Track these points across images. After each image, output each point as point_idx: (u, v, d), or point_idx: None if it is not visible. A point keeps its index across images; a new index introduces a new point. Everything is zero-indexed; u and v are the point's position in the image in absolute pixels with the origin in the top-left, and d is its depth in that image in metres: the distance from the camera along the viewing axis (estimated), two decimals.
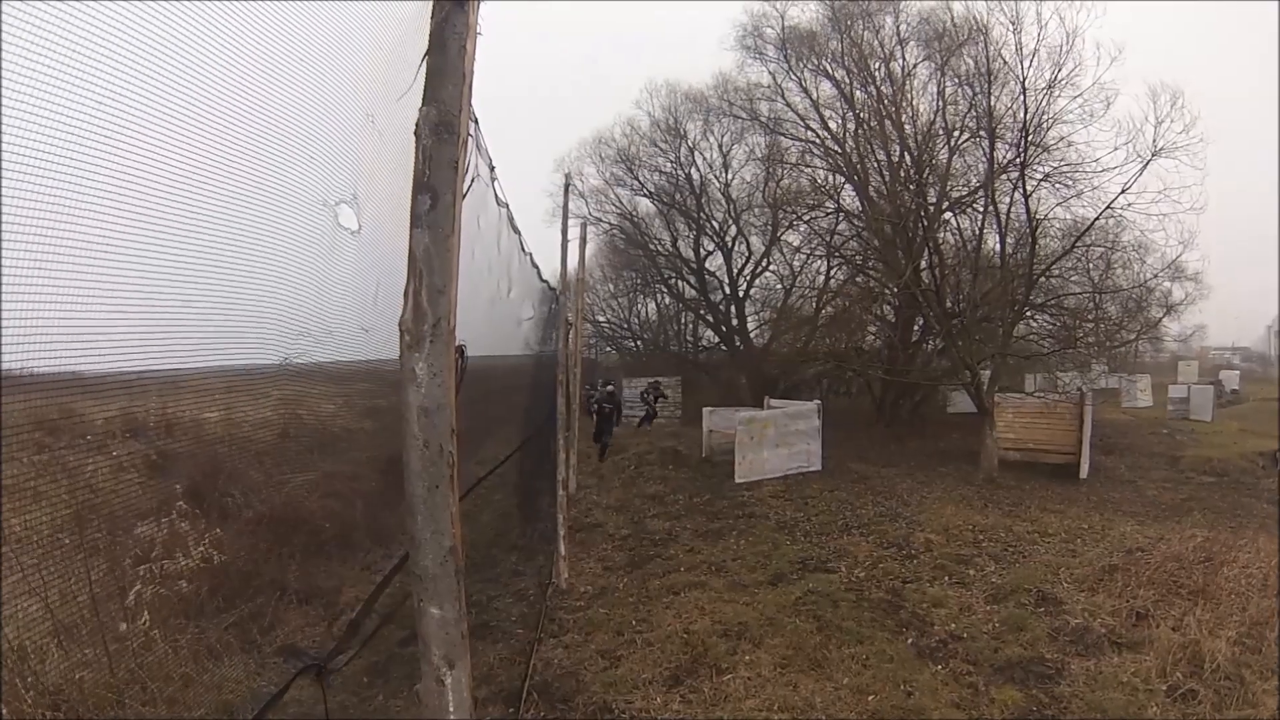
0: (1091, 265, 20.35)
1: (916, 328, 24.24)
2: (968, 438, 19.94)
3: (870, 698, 5.59)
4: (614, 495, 13.54)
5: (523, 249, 6.96)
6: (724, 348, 32.12)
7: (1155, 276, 19.90)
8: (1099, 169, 18.97)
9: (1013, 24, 18.88)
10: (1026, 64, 18.89)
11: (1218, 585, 8.11)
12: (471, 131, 2.43)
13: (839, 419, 22.06)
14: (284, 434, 3.88)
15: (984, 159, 20.32)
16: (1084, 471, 18.02)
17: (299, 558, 6.24)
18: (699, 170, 30.22)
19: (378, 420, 5.02)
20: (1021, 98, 19.05)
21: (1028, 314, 21.68)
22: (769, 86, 25.03)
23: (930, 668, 6.16)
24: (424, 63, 2.13)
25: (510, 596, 7.99)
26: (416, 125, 2.05)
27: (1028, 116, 19.00)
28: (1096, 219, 19.02)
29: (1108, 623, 7.10)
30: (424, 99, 2.07)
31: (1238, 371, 49.26)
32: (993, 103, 19.68)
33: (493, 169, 4.38)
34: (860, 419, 23.63)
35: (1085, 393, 19.74)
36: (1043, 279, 20.35)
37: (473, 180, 2.21)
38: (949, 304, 21.21)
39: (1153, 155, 17.58)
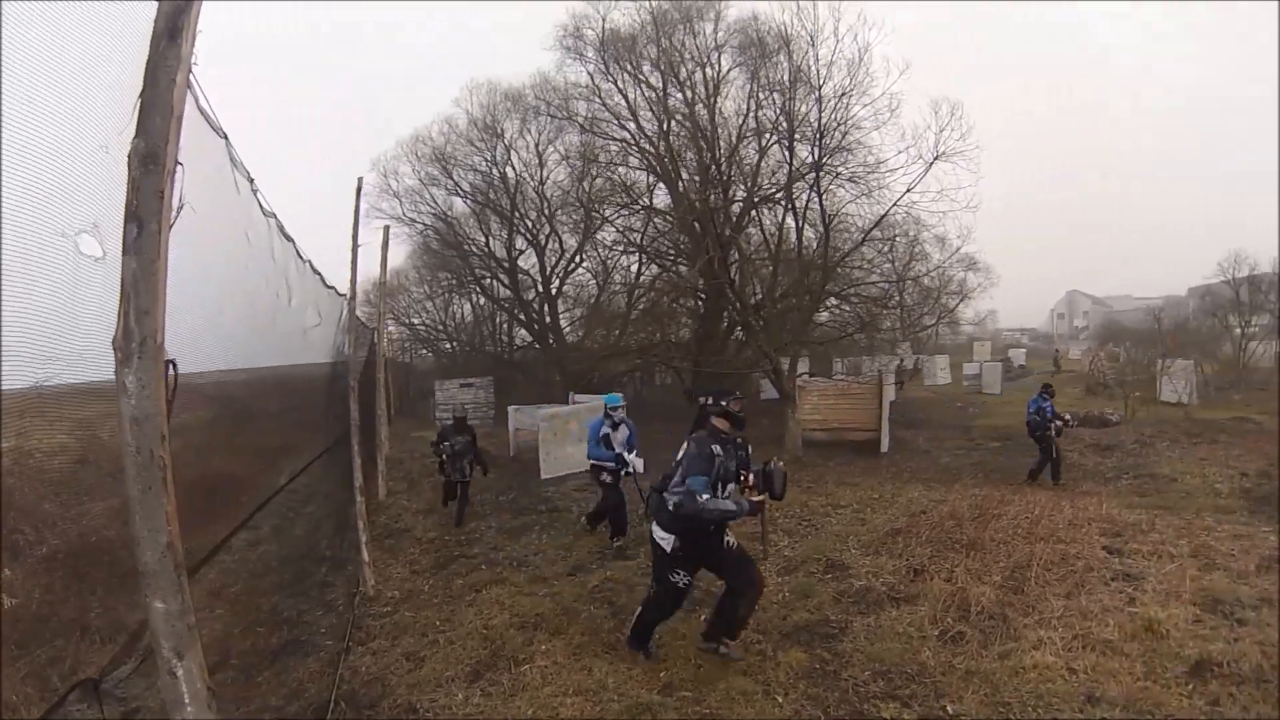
0: (895, 258, 22.00)
1: (725, 320, 25.11)
2: (776, 422, 20.69)
3: (662, 673, 5.81)
4: (424, 499, 13.47)
5: (300, 256, 6.93)
6: (537, 346, 32.24)
7: (938, 268, 21.78)
8: (887, 170, 20.73)
9: (811, 37, 20.18)
10: (822, 73, 20.27)
11: (987, 537, 8.90)
12: (177, 156, 2.51)
13: (654, 411, 22.53)
14: (82, 460, 3.77)
15: (795, 159, 21.59)
16: (884, 445, 19.29)
17: (100, 592, 5.97)
18: (514, 169, 30.35)
19: (184, 439, 4.92)
20: (817, 105, 20.38)
21: (832, 304, 23.11)
22: (587, 87, 25.46)
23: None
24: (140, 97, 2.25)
25: (320, 609, 7.86)
26: (129, 156, 2.17)
27: (822, 121, 20.34)
28: (884, 215, 20.75)
29: (888, 581, 7.62)
30: (136, 131, 2.19)
31: (1024, 349, 53.88)
32: (794, 108, 20.94)
33: (252, 181, 4.42)
34: (675, 411, 24.19)
35: (882, 373, 21.19)
36: (847, 270, 21.81)
37: (179, 210, 2.31)
38: (756, 296, 22.28)
39: (935, 158, 19.44)
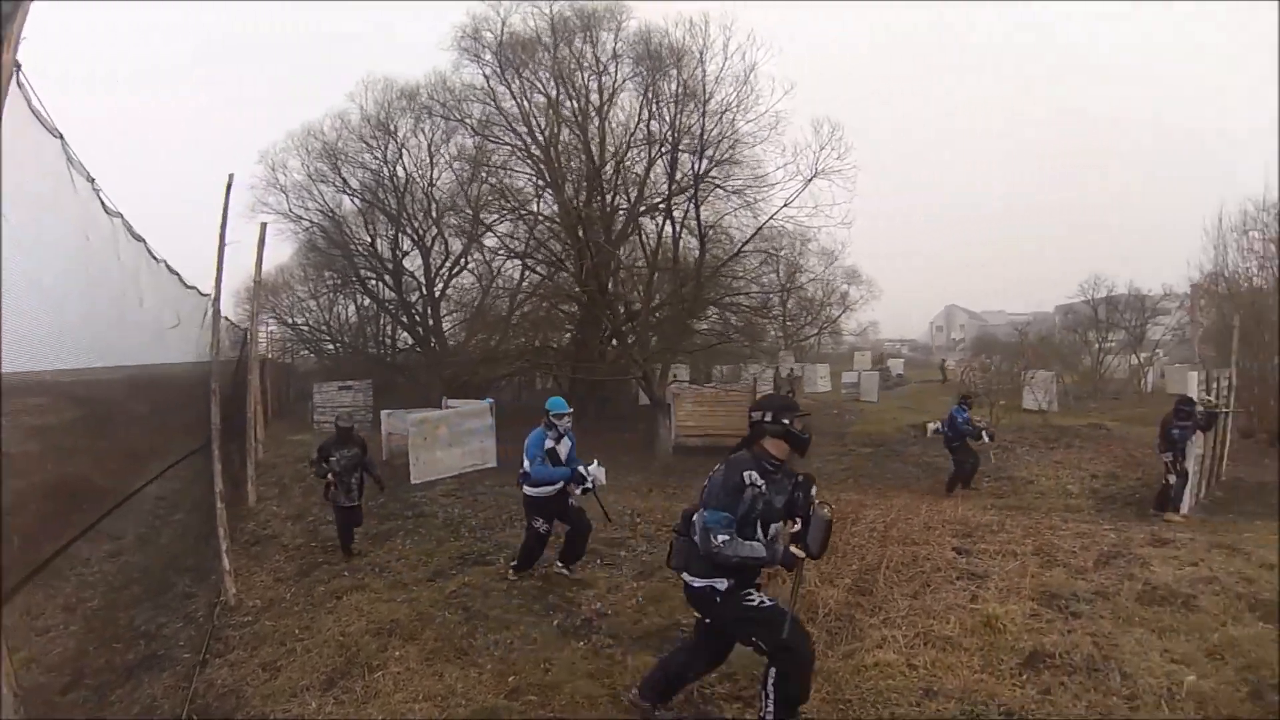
0: (778, 269, 22.75)
1: (605, 326, 25.27)
2: (654, 428, 20.98)
3: (510, 678, 5.83)
4: (294, 504, 13.18)
5: (153, 256, 6.75)
6: (419, 349, 31.86)
7: (814, 279, 22.68)
8: (765, 185, 21.51)
9: (700, 54, 20.77)
10: (709, 88, 20.96)
11: (843, 541, 9.02)
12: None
13: (532, 416, 22.54)
14: None
15: (679, 171, 22.07)
16: None
17: None
18: (405, 168, 29.87)
19: (45, 440, 4.72)
20: (701, 120, 20.93)
21: (712, 312, 23.63)
22: (482, 89, 25.16)
23: (572, 645, 6.48)
24: None
25: (180, 620, 7.67)
26: None
27: (704, 136, 20.92)
28: (760, 228, 21.61)
29: None
30: None
31: (903, 359, 56.09)
32: (681, 121, 21.49)
33: (92, 181, 4.30)
34: None
35: (755, 380, 21.79)
36: (727, 280, 22.38)
37: None
38: (634, 304, 22.67)
39: (813, 175, 20.38)
